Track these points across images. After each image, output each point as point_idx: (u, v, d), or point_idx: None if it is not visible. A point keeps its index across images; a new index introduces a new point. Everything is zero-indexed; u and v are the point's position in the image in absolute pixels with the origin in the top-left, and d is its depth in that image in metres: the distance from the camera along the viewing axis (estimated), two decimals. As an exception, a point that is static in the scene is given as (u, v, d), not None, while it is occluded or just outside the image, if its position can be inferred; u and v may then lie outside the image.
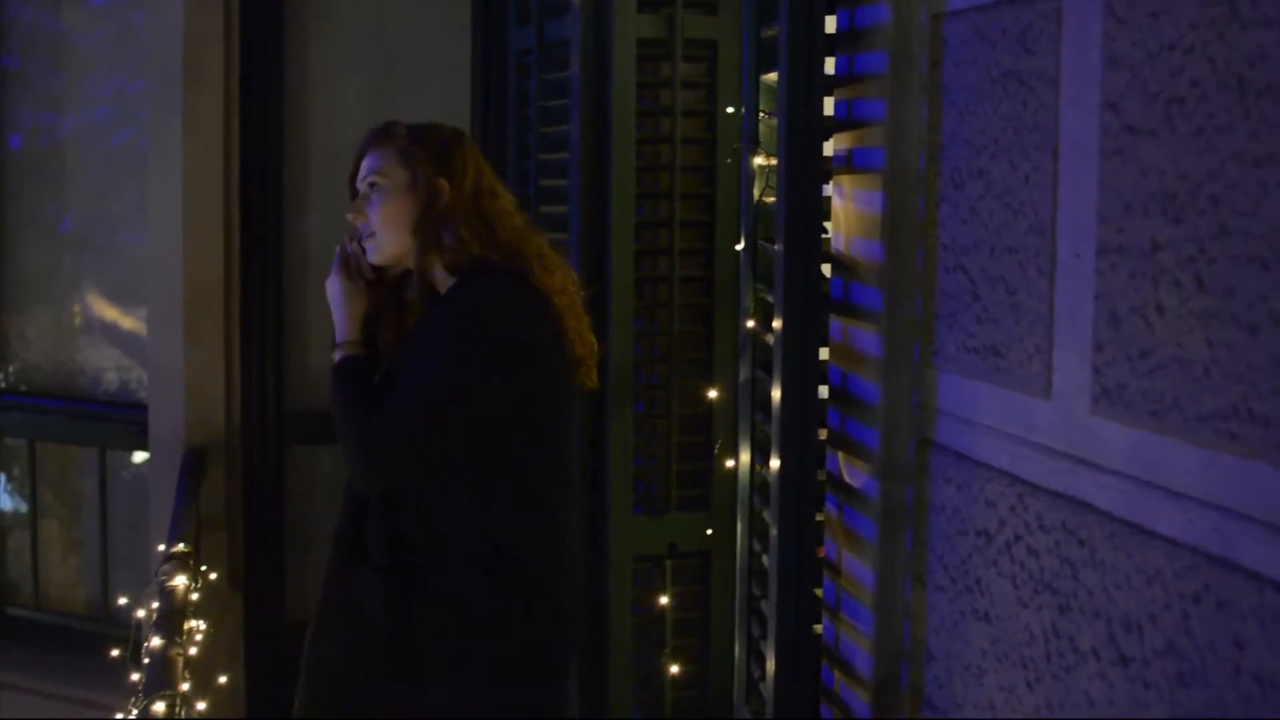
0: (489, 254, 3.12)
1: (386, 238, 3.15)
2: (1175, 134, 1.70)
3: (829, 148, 2.74)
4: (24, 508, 6.09)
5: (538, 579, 2.96)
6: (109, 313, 5.89)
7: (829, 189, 2.74)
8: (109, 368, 5.86)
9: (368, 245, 3.17)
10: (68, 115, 5.94)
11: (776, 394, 2.75)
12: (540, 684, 3.01)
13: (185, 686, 2.96)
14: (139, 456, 5.80)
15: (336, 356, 3.12)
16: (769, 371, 2.91)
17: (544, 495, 3.00)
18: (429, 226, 3.11)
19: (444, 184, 3.12)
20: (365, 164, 3.19)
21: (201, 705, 3.11)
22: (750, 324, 3.30)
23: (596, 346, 3.22)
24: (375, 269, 3.17)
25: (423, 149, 3.16)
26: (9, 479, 6.14)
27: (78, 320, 5.93)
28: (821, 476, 2.81)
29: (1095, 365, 1.87)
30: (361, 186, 3.18)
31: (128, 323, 5.83)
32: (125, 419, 5.69)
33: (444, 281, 3.16)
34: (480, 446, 2.92)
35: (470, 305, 3.04)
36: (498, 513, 2.93)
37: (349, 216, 3.18)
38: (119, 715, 3.03)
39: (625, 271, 4.14)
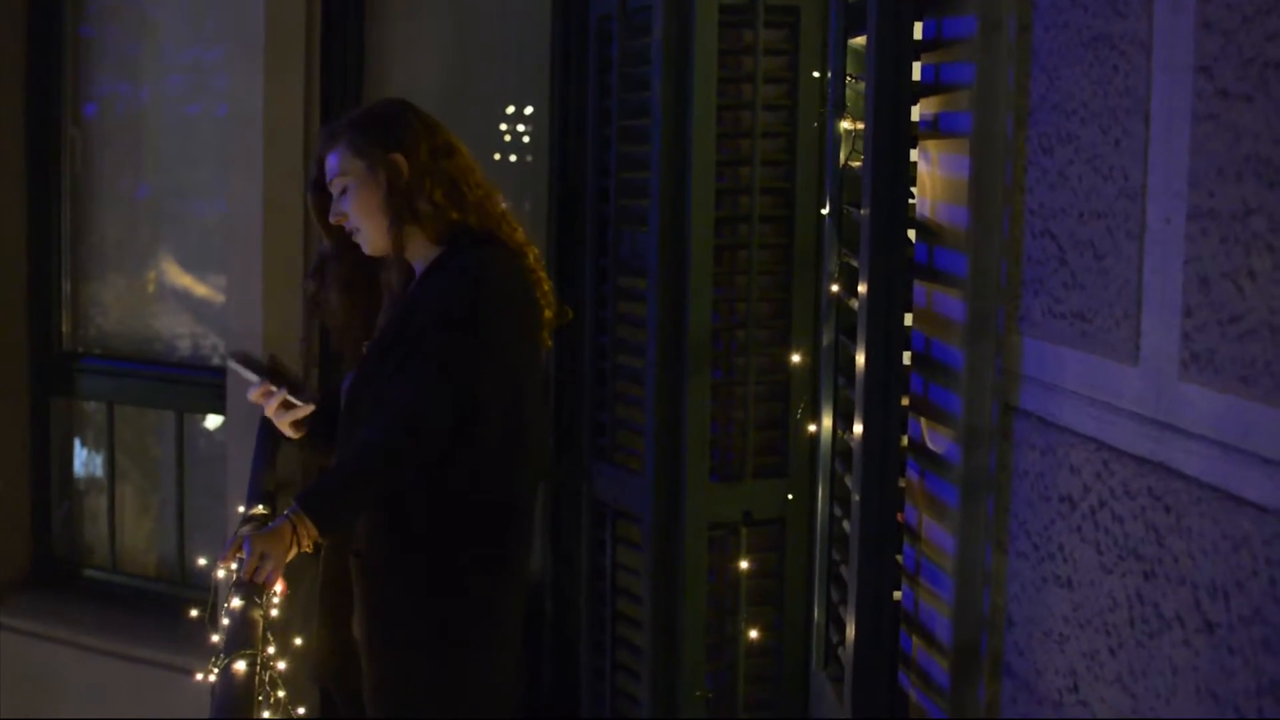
0: (466, 217, 3.22)
1: (370, 228, 3.28)
2: (1270, 98, 1.68)
3: (916, 112, 2.73)
4: (100, 470, 6.17)
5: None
6: (183, 280, 5.95)
7: (915, 154, 2.74)
8: (183, 334, 5.92)
9: (360, 242, 3.31)
10: (144, 84, 5.99)
11: (860, 359, 2.75)
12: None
13: (271, 649, 2.98)
14: (212, 422, 5.86)
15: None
16: (852, 337, 2.91)
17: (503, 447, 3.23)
18: (399, 202, 3.21)
19: (400, 159, 3.22)
20: (327, 170, 3.31)
21: (282, 666, 3.14)
22: (834, 289, 3.30)
23: (558, 307, 3.38)
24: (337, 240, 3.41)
25: (368, 133, 3.28)
26: (84, 442, 6.21)
27: (153, 287, 5.98)
28: (904, 442, 2.81)
29: (1184, 330, 1.86)
30: (333, 191, 3.30)
31: (201, 290, 5.88)
32: (202, 383, 5.76)
33: (426, 253, 3.26)
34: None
35: (466, 283, 3.19)
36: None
37: (331, 219, 3.32)
38: (199, 675, 3.06)
39: (704, 238, 4.15)
